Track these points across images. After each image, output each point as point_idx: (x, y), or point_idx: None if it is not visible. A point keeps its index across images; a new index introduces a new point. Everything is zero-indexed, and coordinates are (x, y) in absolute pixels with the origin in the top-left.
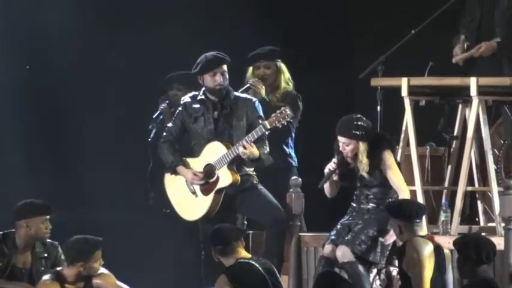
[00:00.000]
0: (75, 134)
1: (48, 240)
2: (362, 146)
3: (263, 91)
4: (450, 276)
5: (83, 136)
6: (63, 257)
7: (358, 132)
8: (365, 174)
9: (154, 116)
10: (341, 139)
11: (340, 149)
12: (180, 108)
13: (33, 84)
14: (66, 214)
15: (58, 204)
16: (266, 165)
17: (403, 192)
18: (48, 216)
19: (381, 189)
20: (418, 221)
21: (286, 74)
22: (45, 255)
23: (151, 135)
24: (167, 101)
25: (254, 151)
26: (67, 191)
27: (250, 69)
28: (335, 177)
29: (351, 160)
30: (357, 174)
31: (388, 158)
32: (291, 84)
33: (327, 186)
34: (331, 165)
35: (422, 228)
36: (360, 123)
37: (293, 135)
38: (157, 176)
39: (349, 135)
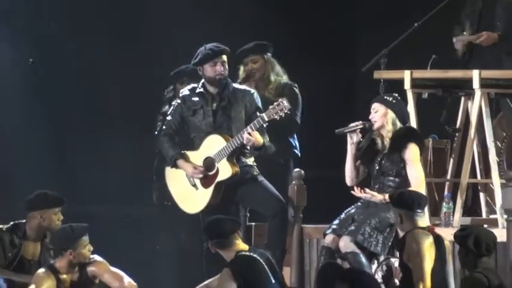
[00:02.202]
0: (74, 126)
1: None
2: (390, 114)
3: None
4: (450, 267)
5: (81, 129)
6: None
7: (389, 99)
8: (380, 157)
9: (162, 111)
10: (373, 106)
11: (370, 116)
12: (178, 101)
13: (34, 76)
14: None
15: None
16: (269, 153)
17: (417, 188)
18: (60, 208)
19: (397, 181)
20: (419, 211)
21: (276, 67)
22: None
23: (158, 128)
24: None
25: (258, 138)
26: (66, 185)
27: (241, 67)
28: (355, 137)
29: (379, 131)
30: (377, 158)
31: (414, 150)
32: (284, 76)
33: (348, 169)
34: (357, 122)
35: (424, 220)
36: (394, 95)
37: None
38: (163, 170)
39: (380, 100)
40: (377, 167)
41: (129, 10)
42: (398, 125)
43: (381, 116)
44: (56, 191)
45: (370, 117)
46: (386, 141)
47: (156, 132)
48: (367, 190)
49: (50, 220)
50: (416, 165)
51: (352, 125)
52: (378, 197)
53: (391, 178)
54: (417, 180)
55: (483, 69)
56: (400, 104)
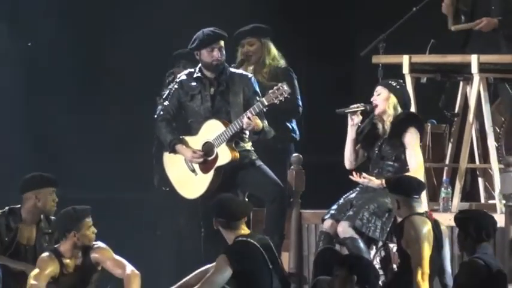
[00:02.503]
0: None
1: (53, 217)
2: (392, 98)
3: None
4: (447, 252)
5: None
6: None
7: (393, 83)
8: (380, 142)
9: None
10: (377, 89)
11: (372, 99)
12: (176, 86)
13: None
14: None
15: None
16: (268, 137)
17: (416, 174)
18: (55, 189)
19: (396, 166)
20: (416, 196)
21: (272, 51)
22: (49, 231)
23: (157, 112)
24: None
25: (258, 123)
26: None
27: (239, 49)
28: (356, 118)
29: (381, 115)
30: (377, 142)
31: (414, 135)
32: (281, 61)
33: (348, 152)
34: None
35: (421, 205)
36: (398, 80)
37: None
38: (162, 154)
39: (384, 84)
40: (377, 151)
41: None
42: (400, 110)
43: (383, 99)
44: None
45: (372, 100)
46: (387, 126)
47: (155, 116)
48: (365, 175)
49: (45, 201)
50: (415, 150)
51: (353, 106)
52: (375, 181)
53: (390, 163)
54: (416, 164)
55: (481, 54)
56: (403, 89)
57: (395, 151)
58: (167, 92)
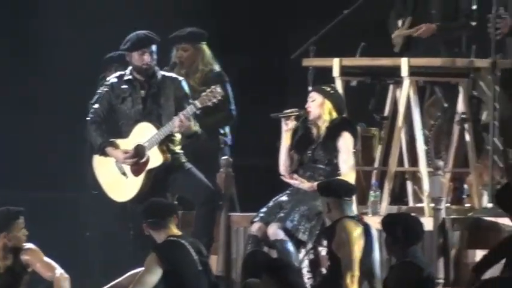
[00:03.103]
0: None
1: None
2: (327, 104)
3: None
4: (377, 255)
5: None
6: None
7: (327, 89)
8: (313, 146)
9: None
10: (311, 95)
11: (306, 105)
12: (106, 89)
13: None
14: None
15: None
16: (200, 140)
17: (347, 178)
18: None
19: (327, 170)
20: (347, 199)
21: (206, 57)
22: None
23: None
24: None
25: (190, 125)
26: None
27: (174, 51)
28: (290, 123)
29: (315, 121)
30: (311, 145)
31: (347, 139)
32: (215, 65)
33: (282, 157)
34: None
35: (352, 208)
36: (332, 85)
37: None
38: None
39: (318, 89)
40: (310, 155)
41: None
42: (335, 115)
43: (318, 105)
44: None
45: (306, 106)
46: (322, 131)
47: (87, 118)
48: (296, 176)
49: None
50: (348, 154)
51: (287, 111)
52: (306, 184)
53: (322, 166)
54: (347, 169)
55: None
56: (338, 94)
57: (329, 155)
58: (97, 95)
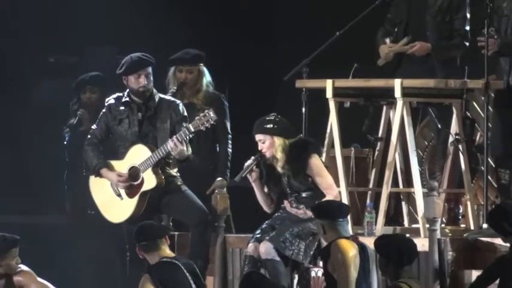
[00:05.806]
0: None
1: None
2: (277, 141)
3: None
4: (374, 276)
5: None
6: None
7: (270, 126)
8: (285, 179)
9: (69, 123)
10: (257, 137)
11: (259, 148)
12: (104, 110)
13: None
14: None
15: None
16: (191, 163)
17: (331, 194)
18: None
19: (311, 193)
20: (341, 220)
21: (207, 77)
22: None
23: (66, 139)
24: (78, 105)
25: (184, 150)
26: None
27: (172, 69)
28: (254, 174)
29: (273, 160)
30: (283, 180)
31: (315, 162)
32: (211, 87)
33: (261, 200)
34: (249, 161)
35: (347, 229)
36: (271, 118)
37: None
38: (74, 180)
39: (261, 130)
40: (287, 188)
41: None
42: (288, 141)
43: (269, 146)
44: None
45: (259, 149)
46: (283, 163)
47: (65, 143)
48: (287, 204)
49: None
50: (322, 174)
51: (246, 165)
52: (299, 212)
53: (304, 195)
54: (327, 186)
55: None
56: (281, 122)
57: (305, 184)
58: (71, 119)
